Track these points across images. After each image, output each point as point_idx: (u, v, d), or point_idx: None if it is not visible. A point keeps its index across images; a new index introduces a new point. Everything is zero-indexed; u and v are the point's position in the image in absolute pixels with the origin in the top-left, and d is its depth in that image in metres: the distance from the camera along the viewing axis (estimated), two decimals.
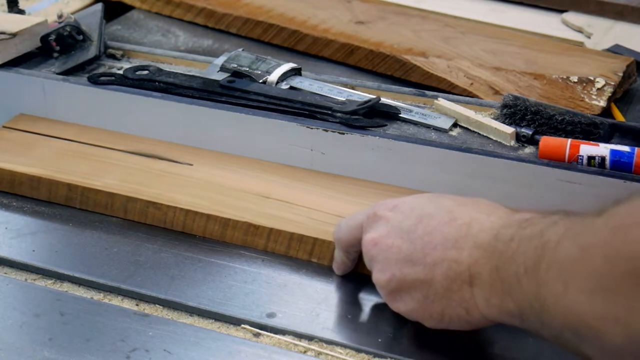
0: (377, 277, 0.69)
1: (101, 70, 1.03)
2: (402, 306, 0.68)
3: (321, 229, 0.80)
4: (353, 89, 0.97)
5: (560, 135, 0.86)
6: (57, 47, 1.04)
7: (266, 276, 0.77)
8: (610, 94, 1.01)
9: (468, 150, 0.85)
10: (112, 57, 1.07)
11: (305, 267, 0.78)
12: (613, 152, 0.81)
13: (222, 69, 0.99)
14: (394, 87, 0.99)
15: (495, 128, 0.88)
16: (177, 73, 1.00)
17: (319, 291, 0.76)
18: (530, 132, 0.87)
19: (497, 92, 1.02)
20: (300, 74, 0.99)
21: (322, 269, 0.78)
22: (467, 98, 0.97)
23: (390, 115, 0.92)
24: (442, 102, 0.92)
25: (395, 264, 0.67)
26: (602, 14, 1.26)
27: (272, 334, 0.70)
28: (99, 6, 1.12)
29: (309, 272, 0.78)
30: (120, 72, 1.01)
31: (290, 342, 0.70)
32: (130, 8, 1.34)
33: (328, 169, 0.90)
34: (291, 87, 0.97)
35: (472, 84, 1.04)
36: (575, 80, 1.03)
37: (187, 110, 0.94)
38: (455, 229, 0.65)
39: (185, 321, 0.72)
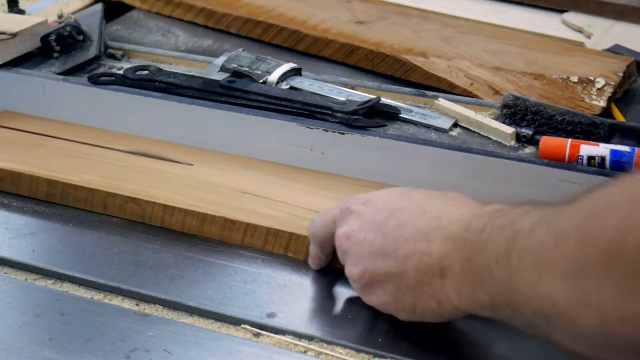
0: (350, 270, 0.69)
1: (101, 70, 1.04)
2: (375, 299, 0.69)
3: (297, 224, 0.81)
4: (353, 89, 0.97)
5: (560, 135, 0.86)
6: (57, 47, 1.04)
7: (266, 276, 0.77)
8: (610, 94, 1.01)
9: (468, 150, 0.85)
10: (112, 57, 1.07)
11: (305, 267, 0.78)
12: (613, 152, 0.81)
13: (222, 69, 0.99)
14: (394, 87, 0.99)
15: (496, 128, 0.88)
16: (177, 73, 1.00)
17: (319, 291, 0.76)
18: (531, 132, 0.87)
19: (497, 92, 1.02)
20: (300, 74, 0.99)
21: (322, 270, 0.78)
22: (467, 98, 0.97)
23: (390, 115, 0.92)
24: (442, 102, 0.92)
25: (367, 258, 0.68)
26: (602, 14, 1.26)
27: (272, 334, 0.70)
28: (99, 6, 1.12)
29: (309, 272, 0.78)
30: (121, 72, 1.01)
31: (290, 342, 0.70)
32: (130, 8, 1.34)
33: (328, 169, 0.90)
34: (291, 87, 0.97)
35: (472, 84, 1.04)
36: (575, 80, 1.03)
37: (187, 110, 0.94)
38: (425, 222, 0.66)
39: (185, 321, 0.72)
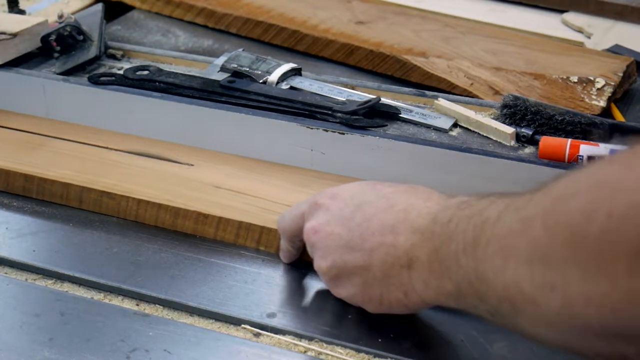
0: (319, 264, 0.70)
1: (101, 70, 1.04)
2: (343, 291, 0.70)
3: (269, 218, 0.81)
4: (353, 89, 0.97)
5: (560, 135, 0.86)
6: (57, 47, 1.03)
7: (266, 276, 0.77)
8: (610, 94, 1.01)
9: (468, 150, 0.85)
10: (113, 57, 1.07)
11: (306, 267, 0.78)
12: (613, 152, 0.81)
13: (222, 69, 0.99)
14: (394, 87, 0.99)
15: (496, 128, 0.88)
16: (177, 73, 1.00)
17: (319, 291, 0.76)
18: (530, 132, 0.87)
19: (497, 92, 1.02)
20: (300, 74, 0.99)
21: None
22: (467, 98, 0.97)
23: (390, 115, 0.92)
24: (442, 102, 0.92)
25: (335, 251, 0.68)
26: (602, 14, 1.26)
27: (272, 334, 0.70)
28: (99, 6, 1.12)
29: (309, 273, 0.78)
30: (121, 72, 1.01)
31: (290, 342, 0.70)
32: (130, 8, 1.34)
33: (328, 169, 0.90)
34: (291, 87, 0.97)
35: (472, 84, 1.04)
36: (575, 81, 1.03)
37: (187, 110, 0.95)
38: (392, 215, 0.66)
39: (186, 321, 0.72)
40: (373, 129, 0.89)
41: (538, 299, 0.53)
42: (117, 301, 0.75)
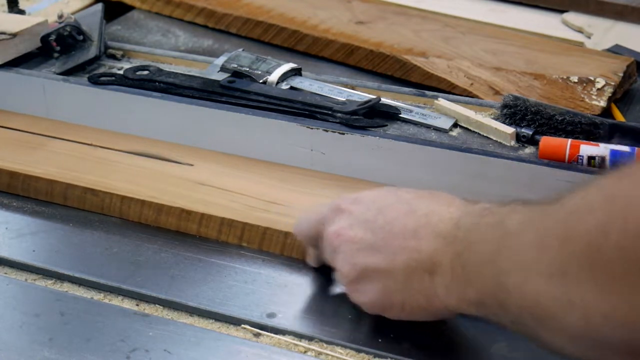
0: (340, 266, 0.69)
1: (101, 70, 1.04)
2: (363, 297, 0.69)
3: (251, 214, 0.82)
4: (353, 89, 0.97)
5: (560, 136, 0.86)
6: (57, 47, 1.03)
7: (266, 276, 0.77)
8: (610, 94, 1.01)
9: (468, 150, 0.85)
10: (113, 57, 1.07)
11: (306, 267, 0.78)
12: (613, 152, 0.81)
13: (222, 69, 0.99)
14: (394, 87, 0.99)
15: (496, 128, 0.88)
16: (177, 73, 1.00)
17: (319, 291, 0.76)
18: (531, 132, 0.87)
19: (497, 92, 1.02)
20: (300, 74, 0.99)
21: (322, 270, 0.78)
22: (467, 98, 0.97)
23: (390, 115, 0.92)
24: (442, 102, 0.92)
25: (357, 254, 0.68)
26: (602, 14, 1.26)
27: (272, 334, 0.70)
28: (99, 6, 1.12)
29: (309, 272, 0.78)
30: (121, 72, 1.01)
31: (290, 342, 0.70)
32: (130, 8, 1.34)
33: (328, 169, 0.90)
34: (291, 87, 0.97)
35: (472, 84, 1.04)
36: (576, 81, 1.03)
37: (187, 110, 0.95)
38: (414, 220, 0.66)
39: (185, 321, 0.72)
40: (373, 129, 0.89)
41: (557, 314, 0.53)
42: (117, 301, 0.75)
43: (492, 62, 1.09)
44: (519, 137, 0.87)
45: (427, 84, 1.07)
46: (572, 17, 1.27)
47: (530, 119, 0.88)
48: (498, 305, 0.59)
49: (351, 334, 0.70)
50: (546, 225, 0.55)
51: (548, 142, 0.84)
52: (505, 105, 0.89)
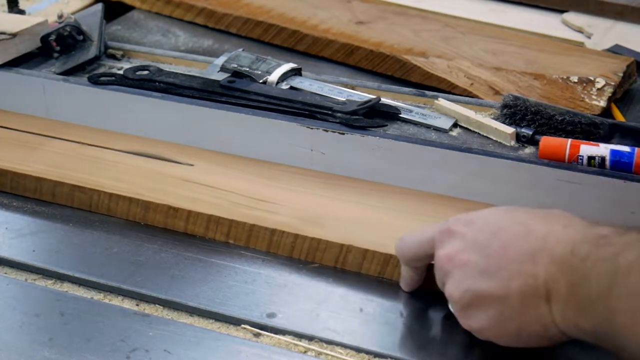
0: (451, 291, 0.67)
1: (101, 70, 1.03)
2: (475, 323, 0.66)
3: (238, 211, 0.82)
4: (353, 89, 0.97)
5: (560, 136, 0.86)
6: (57, 47, 1.03)
7: (266, 276, 0.77)
8: (610, 94, 1.01)
9: (468, 150, 0.85)
10: (112, 57, 1.07)
11: (306, 267, 0.78)
12: (613, 152, 0.81)
13: (222, 69, 0.99)
14: (394, 87, 0.99)
15: (496, 128, 0.88)
16: (177, 73, 1.00)
17: (319, 291, 0.76)
18: (531, 132, 0.87)
19: (497, 92, 1.02)
20: (300, 74, 0.99)
21: (322, 270, 0.78)
22: (467, 98, 0.97)
23: (390, 115, 0.92)
24: (442, 102, 0.92)
25: (469, 279, 0.65)
26: (602, 14, 1.26)
27: (272, 334, 0.70)
28: (99, 6, 1.12)
29: (309, 272, 0.78)
30: (121, 72, 1.01)
31: (290, 342, 0.70)
32: (130, 8, 1.34)
33: (328, 169, 0.90)
34: (291, 87, 0.97)
35: (472, 84, 1.04)
36: (576, 81, 1.03)
37: (187, 110, 0.94)
38: (530, 243, 0.63)
39: (186, 321, 0.72)
40: (373, 129, 0.89)
41: None
42: (117, 301, 0.75)
43: (492, 62, 1.09)
44: (519, 137, 0.87)
45: (427, 84, 1.07)
46: (572, 17, 1.27)
47: (530, 119, 0.88)
48: (611, 345, 0.58)
49: (351, 334, 0.70)
50: None
51: (548, 142, 0.84)
52: (505, 105, 0.89)
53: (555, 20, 1.27)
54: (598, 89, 1.01)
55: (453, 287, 0.67)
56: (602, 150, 0.82)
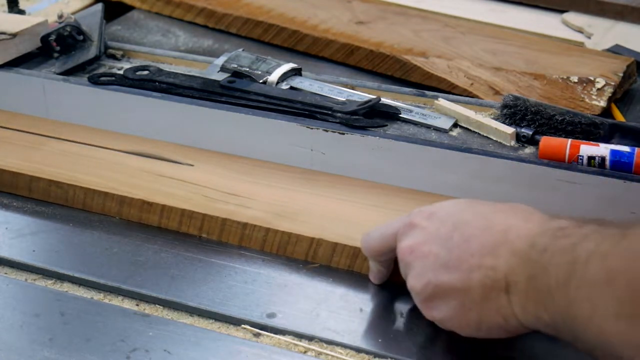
0: (413, 284, 0.68)
1: (101, 70, 1.03)
2: (437, 314, 0.67)
3: (211, 206, 0.83)
4: (353, 89, 0.97)
5: (560, 136, 0.86)
6: (57, 47, 1.03)
7: (266, 276, 0.77)
8: (610, 94, 1.01)
9: (468, 150, 0.85)
10: (113, 57, 1.07)
11: (305, 267, 0.78)
12: (613, 152, 0.81)
13: (222, 69, 0.99)
14: (394, 87, 0.99)
15: (496, 128, 0.88)
16: (177, 73, 1.00)
17: (319, 291, 0.76)
18: (531, 132, 0.87)
19: (497, 92, 1.02)
20: (300, 74, 0.99)
21: (322, 270, 0.78)
22: (467, 98, 0.97)
23: (390, 115, 0.92)
24: (442, 102, 0.92)
25: (431, 271, 0.66)
26: (602, 14, 1.26)
27: (272, 334, 0.70)
28: (99, 6, 1.12)
29: (309, 272, 0.78)
30: (121, 72, 1.01)
31: (290, 342, 0.70)
32: (130, 8, 1.34)
33: (328, 169, 0.90)
34: (291, 88, 0.97)
35: (472, 84, 1.04)
36: (576, 81, 1.03)
37: (187, 110, 0.94)
38: (492, 236, 0.64)
39: (186, 321, 0.72)
40: (373, 129, 0.89)
41: (624, 355, 0.53)
42: (117, 301, 0.75)
43: (492, 62, 1.09)
44: (519, 137, 0.87)
45: (427, 84, 1.07)
46: (572, 17, 1.27)
47: (530, 119, 0.88)
48: (570, 335, 0.59)
49: (351, 334, 0.70)
50: (614, 265, 0.54)
51: (548, 142, 0.84)
52: (505, 105, 0.89)
53: (555, 20, 1.27)
54: (598, 89, 1.01)
55: (414, 279, 0.68)
56: (602, 150, 0.82)
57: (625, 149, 0.82)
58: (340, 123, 0.90)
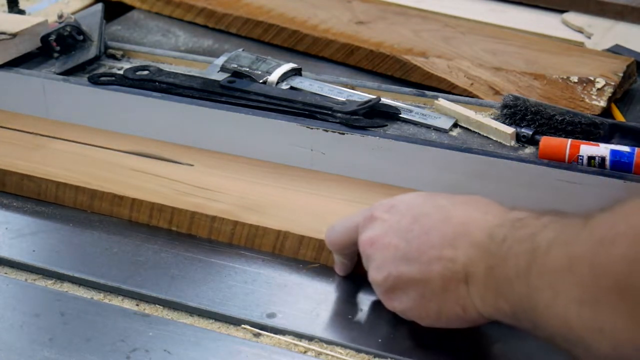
0: (373, 275, 0.69)
1: (101, 70, 1.03)
2: (398, 305, 0.68)
3: (180, 199, 0.84)
4: (353, 89, 0.97)
5: (560, 136, 0.86)
6: (57, 47, 1.03)
7: (266, 276, 0.77)
8: (610, 94, 1.01)
9: (468, 150, 0.85)
10: (113, 57, 1.07)
11: (305, 267, 0.78)
12: (613, 152, 0.81)
13: (222, 69, 0.99)
14: (394, 87, 0.99)
15: (496, 128, 0.88)
16: (177, 73, 1.00)
17: (319, 291, 0.76)
18: (531, 132, 0.87)
19: (497, 92, 1.02)
20: (300, 74, 0.99)
21: (322, 270, 0.78)
22: (467, 98, 0.97)
23: (390, 115, 0.92)
24: (442, 102, 0.92)
25: (391, 263, 0.67)
26: (602, 14, 1.26)
27: (272, 334, 0.70)
28: (99, 6, 1.12)
29: (309, 272, 0.78)
30: (121, 72, 1.01)
31: (290, 342, 0.70)
32: (130, 8, 1.34)
33: (328, 169, 0.90)
34: (291, 88, 0.97)
35: (472, 84, 1.04)
36: (576, 81, 1.03)
37: (187, 110, 0.94)
38: (451, 228, 0.65)
39: (186, 321, 0.72)
40: (373, 129, 0.89)
41: (587, 339, 0.54)
42: (117, 301, 0.75)
43: (492, 62, 1.09)
44: (519, 137, 0.87)
45: (427, 84, 1.07)
46: (572, 17, 1.27)
47: (530, 119, 0.88)
48: (530, 323, 0.59)
49: (351, 334, 0.70)
50: (575, 251, 0.55)
51: (548, 142, 0.84)
52: (505, 105, 0.89)
53: (555, 20, 1.27)
54: (598, 89, 1.01)
55: (375, 271, 0.68)
56: (602, 150, 0.82)
57: (625, 149, 0.82)
58: (340, 123, 0.90)
